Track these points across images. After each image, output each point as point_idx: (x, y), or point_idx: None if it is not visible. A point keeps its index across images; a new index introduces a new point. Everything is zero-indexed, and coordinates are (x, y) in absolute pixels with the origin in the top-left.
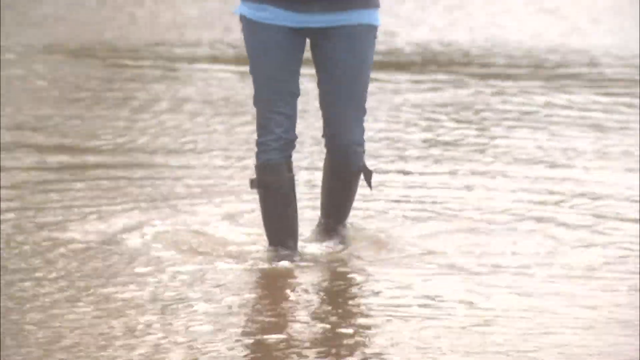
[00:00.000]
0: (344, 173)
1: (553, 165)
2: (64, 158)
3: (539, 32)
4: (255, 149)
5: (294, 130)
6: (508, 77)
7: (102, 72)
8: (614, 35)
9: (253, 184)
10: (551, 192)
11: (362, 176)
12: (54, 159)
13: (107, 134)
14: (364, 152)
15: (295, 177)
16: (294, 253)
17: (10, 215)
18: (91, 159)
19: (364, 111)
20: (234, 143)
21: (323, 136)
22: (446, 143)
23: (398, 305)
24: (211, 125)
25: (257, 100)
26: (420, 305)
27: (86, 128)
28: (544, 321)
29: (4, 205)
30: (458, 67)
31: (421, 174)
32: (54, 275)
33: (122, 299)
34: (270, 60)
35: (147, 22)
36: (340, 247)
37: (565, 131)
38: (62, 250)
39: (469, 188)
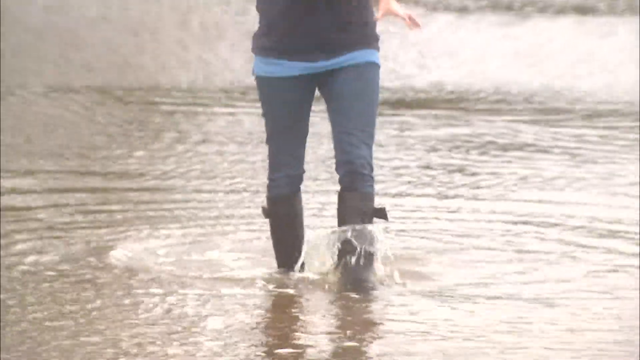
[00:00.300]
0: (355, 196)
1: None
2: (101, 183)
3: (527, 74)
4: (267, 182)
5: (302, 166)
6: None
7: (135, 111)
8: (595, 76)
9: (265, 212)
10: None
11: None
12: (91, 183)
13: (139, 164)
14: (373, 178)
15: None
16: (300, 273)
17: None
18: (120, 184)
19: (372, 137)
20: (253, 175)
21: (336, 167)
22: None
23: (403, 321)
24: (231, 158)
25: (269, 140)
26: (418, 323)
27: (117, 157)
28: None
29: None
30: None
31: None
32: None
33: (136, 316)
34: (280, 111)
35: (177, 66)
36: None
37: (549, 160)
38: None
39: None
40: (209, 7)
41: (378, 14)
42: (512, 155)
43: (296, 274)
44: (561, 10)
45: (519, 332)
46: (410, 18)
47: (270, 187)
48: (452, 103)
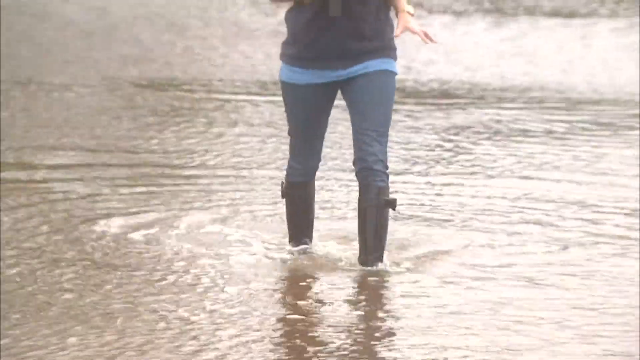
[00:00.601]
0: (370, 187)
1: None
2: (143, 170)
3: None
4: (286, 166)
5: (318, 158)
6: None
7: (169, 101)
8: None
9: (282, 193)
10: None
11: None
12: (135, 171)
13: (176, 151)
14: (386, 173)
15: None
16: (309, 247)
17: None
18: (150, 161)
19: (386, 137)
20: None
21: (353, 163)
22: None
23: (406, 295)
24: (255, 145)
25: (290, 134)
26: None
27: (154, 145)
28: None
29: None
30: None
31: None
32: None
33: (166, 283)
34: (301, 113)
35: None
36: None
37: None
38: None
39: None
40: (239, 8)
41: (397, 30)
42: (508, 140)
43: (305, 246)
44: (548, 13)
45: (524, 307)
46: (425, 35)
47: (288, 173)
48: (447, 95)
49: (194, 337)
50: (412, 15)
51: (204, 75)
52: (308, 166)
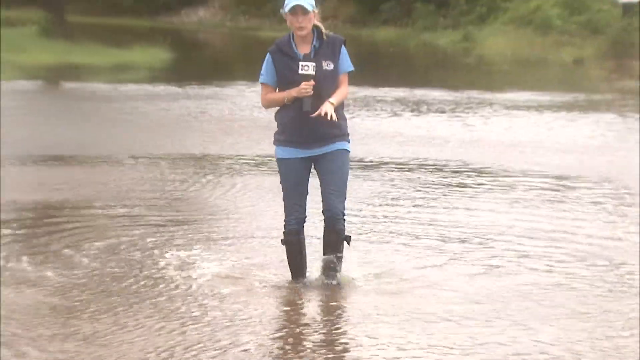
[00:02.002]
0: (334, 232)
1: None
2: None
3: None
4: (284, 222)
5: (304, 213)
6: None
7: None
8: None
9: (282, 241)
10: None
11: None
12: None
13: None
14: (344, 219)
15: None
16: (304, 281)
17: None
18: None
19: (344, 195)
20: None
21: (322, 212)
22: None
23: (381, 314)
24: (265, 197)
25: (284, 196)
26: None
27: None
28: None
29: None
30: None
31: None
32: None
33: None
34: (291, 180)
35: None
36: (337, 281)
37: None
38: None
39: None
40: (240, 109)
41: (317, 112)
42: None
43: (300, 280)
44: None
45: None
46: (325, 113)
47: (285, 225)
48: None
49: None
50: (332, 104)
51: (225, 151)
52: (298, 217)
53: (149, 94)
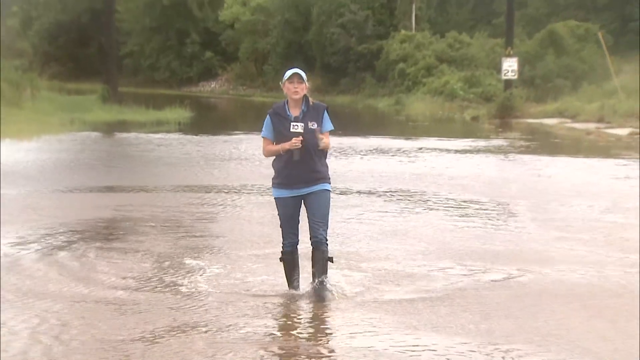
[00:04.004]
0: (320, 252)
1: None
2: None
3: None
4: (282, 245)
5: (297, 237)
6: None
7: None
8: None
9: (280, 259)
10: None
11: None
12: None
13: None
14: (327, 244)
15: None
16: (298, 290)
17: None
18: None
19: (327, 225)
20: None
21: (310, 239)
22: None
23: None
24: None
25: (281, 226)
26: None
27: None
28: None
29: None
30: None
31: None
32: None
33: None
34: (285, 214)
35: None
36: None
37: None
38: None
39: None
40: (244, 165)
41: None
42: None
43: (295, 289)
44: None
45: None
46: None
47: (283, 247)
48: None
49: None
50: (321, 147)
51: (231, 183)
52: (292, 242)
53: (176, 141)
